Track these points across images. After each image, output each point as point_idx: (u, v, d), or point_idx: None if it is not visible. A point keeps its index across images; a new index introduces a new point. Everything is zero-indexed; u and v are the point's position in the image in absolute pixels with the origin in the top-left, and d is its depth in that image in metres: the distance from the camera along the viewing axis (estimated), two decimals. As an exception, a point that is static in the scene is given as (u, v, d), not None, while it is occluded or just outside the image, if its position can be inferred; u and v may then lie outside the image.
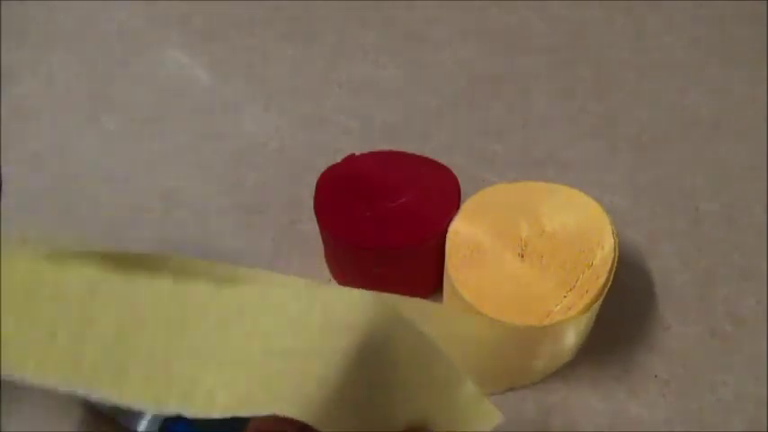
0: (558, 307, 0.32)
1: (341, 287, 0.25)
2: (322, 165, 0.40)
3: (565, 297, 0.33)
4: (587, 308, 0.33)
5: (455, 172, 0.39)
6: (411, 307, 0.32)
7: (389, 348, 0.25)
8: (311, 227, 0.39)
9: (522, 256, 0.34)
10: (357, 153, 0.40)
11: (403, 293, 0.38)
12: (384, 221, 0.37)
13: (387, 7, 0.58)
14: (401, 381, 0.25)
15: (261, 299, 0.25)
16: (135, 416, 0.36)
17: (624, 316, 0.40)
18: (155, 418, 0.36)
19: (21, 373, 0.24)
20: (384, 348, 0.24)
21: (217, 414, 0.23)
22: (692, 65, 0.53)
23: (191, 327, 0.25)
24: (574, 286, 0.33)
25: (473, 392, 0.27)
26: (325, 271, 0.42)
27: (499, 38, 0.56)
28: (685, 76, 0.52)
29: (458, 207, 0.37)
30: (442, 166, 0.40)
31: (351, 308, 0.24)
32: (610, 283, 0.34)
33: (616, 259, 0.34)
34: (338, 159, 0.40)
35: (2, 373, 0.23)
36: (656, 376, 0.37)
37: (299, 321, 0.24)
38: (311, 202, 0.38)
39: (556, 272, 0.33)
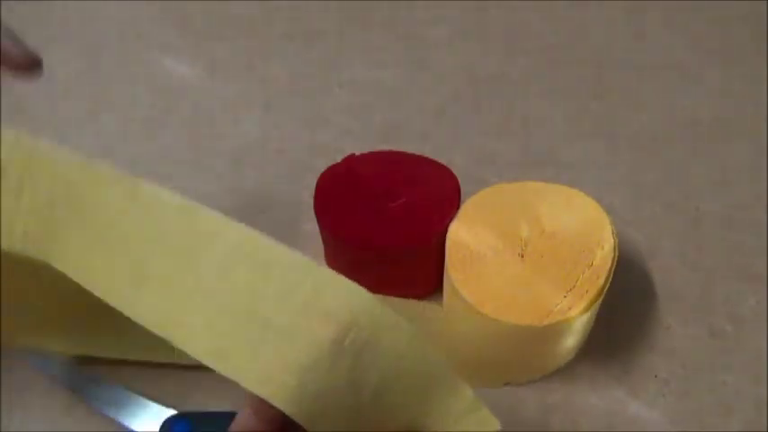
0: (558, 307, 0.32)
1: (338, 275, 0.24)
2: (322, 165, 0.40)
3: (565, 297, 0.33)
4: (587, 308, 0.33)
5: (455, 172, 0.39)
6: (410, 309, 0.32)
7: (378, 348, 0.24)
8: (311, 227, 0.39)
9: (522, 256, 0.34)
10: (357, 153, 0.40)
11: (403, 293, 0.38)
12: (384, 221, 0.37)
13: (387, 7, 0.58)
14: (391, 384, 0.25)
15: (261, 251, 0.26)
16: (134, 416, 0.36)
17: (624, 316, 0.40)
18: (154, 418, 0.36)
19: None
20: (371, 347, 0.24)
21: (190, 350, 0.24)
22: (692, 65, 0.53)
23: (196, 255, 0.25)
24: (574, 286, 0.33)
25: (471, 399, 0.26)
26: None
27: (499, 38, 0.56)
28: (685, 76, 0.52)
29: (458, 207, 0.37)
30: (442, 166, 0.40)
31: (339, 294, 0.24)
32: (609, 283, 0.34)
33: (616, 259, 0.34)
34: (338, 159, 0.40)
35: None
36: (656, 376, 0.37)
37: (286, 292, 0.24)
38: (311, 202, 0.38)
39: (556, 272, 0.33)
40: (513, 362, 0.36)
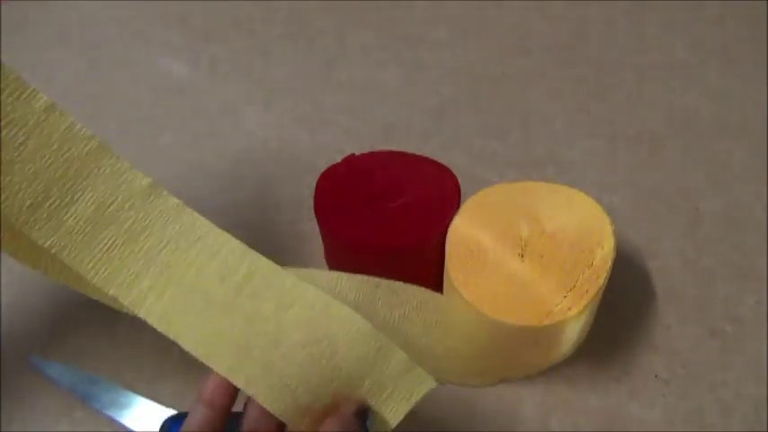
0: (558, 307, 0.32)
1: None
2: (322, 165, 0.40)
3: (565, 297, 0.33)
4: (587, 307, 0.33)
5: (455, 172, 0.39)
6: (411, 294, 0.33)
7: (313, 319, 0.27)
8: (311, 227, 0.39)
9: (522, 256, 0.34)
10: (357, 153, 0.40)
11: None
12: (384, 221, 0.37)
13: (387, 7, 0.58)
14: (330, 353, 0.27)
15: (209, 231, 0.28)
16: (134, 416, 0.36)
17: (624, 316, 0.40)
18: (154, 418, 0.36)
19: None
20: (307, 318, 0.27)
21: (142, 314, 0.27)
22: (692, 65, 0.53)
23: (152, 230, 0.28)
24: (574, 286, 0.33)
25: (404, 361, 0.28)
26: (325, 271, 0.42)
27: (499, 38, 0.56)
28: (685, 76, 0.52)
29: (458, 207, 0.37)
30: (442, 166, 0.40)
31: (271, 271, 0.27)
32: (606, 283, 0.34)
33: (614, 259, 0.34)
34: (338, 159, 0.40)
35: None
36: (656, 376, 0.37)
37: (225, 268, 0.27)
38: (311, 202, 0.38)
39: (556, 272, 0.33)
40: (511, 360, 0.36)
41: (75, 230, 0.27)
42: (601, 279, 0.33)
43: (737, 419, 0.36)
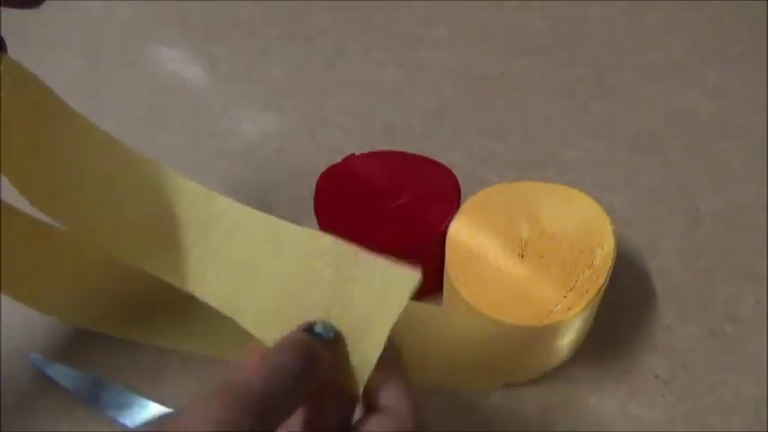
0: (558, 307, 0.32)
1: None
2: (322, 165, 0.40)
3: (565, 297, 0.33)
4: (587, 307, 0.33)
5: (455, 172, 0.39)
6: (410, 310, 0.32)
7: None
8: (311, 227, 0.39)
9: (522, 257, 0.34)
10: (357, 153, 0.40)
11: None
12: (384, 221, 0.37)
13: (387, 7, 0.58)
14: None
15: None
16: (134, 416, 0.36)
17: (624, 316, 0.40)
18: (154, 418, 0.36)
19: None
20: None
21: (200, 293, 0.28)
22: (692, 65, 0.53)
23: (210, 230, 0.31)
24: (574, 286, 0.33)
25: (382, 265, 0.28)
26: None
27: (499, 38, 0.56)
28: (685, 76, 0.52)
29: (458, 207, 0.37)
30: (442, 166, 0.40)
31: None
32: (607, 283, 0.34)
33: (614, 259, 0.34)
34: (338, 159, 0.40)
35: None
36: (656, 376, 0.37)
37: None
38: (311, 202, 0.38)
39: (556, 272, 0.33)
40: (513, 361, 0.36)
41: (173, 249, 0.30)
42: (601, 279, 0.33)
43: (737, 419, 0.36)
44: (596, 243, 0.34)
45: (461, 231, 0.36)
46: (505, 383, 0.37)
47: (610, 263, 0.34)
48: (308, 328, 0.26)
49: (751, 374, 0.37)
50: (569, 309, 0.32)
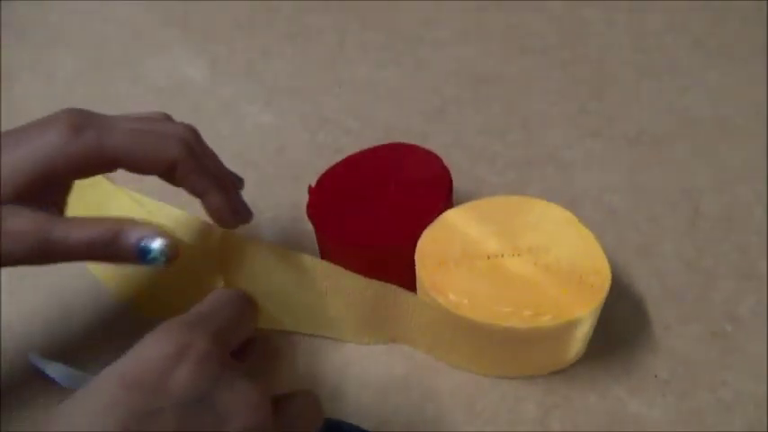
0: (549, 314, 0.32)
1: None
2: (322, 165, 0.40)
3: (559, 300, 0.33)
4: (595, 310, 0.33)
5: (455, 172, 0.39)
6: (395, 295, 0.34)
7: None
8: (311, 227, 0.39)
9: (513, 262, 0.34)
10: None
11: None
12: (377, 220, 0.37)
13: (387, 7, 0.58)
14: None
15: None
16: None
17: (624, 316, 0.40)
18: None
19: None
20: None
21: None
22: (692, 65, 0.53)
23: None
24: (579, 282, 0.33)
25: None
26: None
27: (499, 38, 0.56)
28: (685, 76, 0.52)
29: (449, 197, 0.38)
30: (431, 154, 0.40)
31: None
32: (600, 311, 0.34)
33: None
34: (338, 159, 0.40)
35: None
36: (656, 376, 0.37)
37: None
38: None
39: (549, 279, 0.34)
40: (510, 358, 0.36)
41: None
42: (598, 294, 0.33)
43: (737, 419, 0.36)
44: (590, 267, 0.34)
45: (437, 240, 0.36)
46: (505, 376, 0.37)
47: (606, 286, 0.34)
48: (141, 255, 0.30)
49: (751, 374, 0.37)
50: (562, 313, 0.32)
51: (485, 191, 0.46)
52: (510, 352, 0.35)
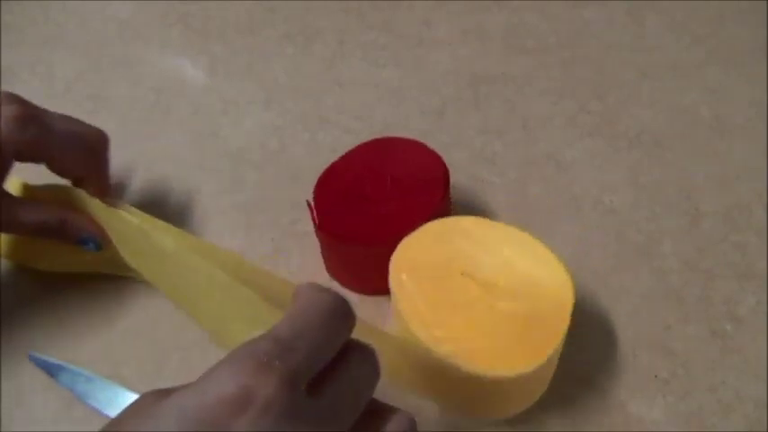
0: (511, 361, 0.31)
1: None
2: (322, 165, 0.40)
3: (519, 350, 0.32)
4: (542, 361, 0.32)
5: (455, 172, 0.39)
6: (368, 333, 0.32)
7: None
8: (311, 227, 0.39)
9: (482, 305, 0.33)
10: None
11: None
12: (376, 219, 0.38)
13: (387, 7, 0.58)
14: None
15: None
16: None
17: (624, 315, 0.40)
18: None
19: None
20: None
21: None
22: (692, 65, 0.53)
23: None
24: (530, 337, 0.32)
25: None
26: (325, 271, 0.42)
27: (499, 38, 0.56)
28: (685, 76, 0.52)
29: (446, 192, 0.38)
30: (427, 149, 0.40)
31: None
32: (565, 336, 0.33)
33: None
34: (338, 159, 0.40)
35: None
36: (656, 376, 0.37)
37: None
38: (311, 203, 0.39)
39: (513, 323, 0.32)
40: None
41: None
42: (559, 331, 0.32)
43: (737, 419, 0.36)
44: (555, 296, 0.33)
45: (409, 277, 0.34)
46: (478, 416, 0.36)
47: (568, 315, 0.33)
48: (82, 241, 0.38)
49: (751, 374, 0.37)
50: (522, 362, 0.31)
51: (485, 191, 0.46)
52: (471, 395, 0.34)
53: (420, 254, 0.35)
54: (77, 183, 0.39)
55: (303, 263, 0.42)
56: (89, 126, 0.39)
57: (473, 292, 0.33)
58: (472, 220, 0.36)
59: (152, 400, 0.22)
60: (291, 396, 0.22)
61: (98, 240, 0.38)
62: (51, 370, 0.38)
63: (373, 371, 0.26)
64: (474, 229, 0.36)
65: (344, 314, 0.25)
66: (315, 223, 0.38)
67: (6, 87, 0.52)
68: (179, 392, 0.22)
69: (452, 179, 0.40)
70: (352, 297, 0.41)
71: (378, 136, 0.48)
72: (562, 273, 0.34)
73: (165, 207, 0.45)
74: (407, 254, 0.35)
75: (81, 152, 0.38)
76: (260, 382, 0.21)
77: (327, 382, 0.24)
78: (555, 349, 0.32)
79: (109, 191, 0.41)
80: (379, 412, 0.26)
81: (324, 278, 0.42)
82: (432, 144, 0.41)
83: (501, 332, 0.32)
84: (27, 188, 0.41)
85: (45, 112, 0.37)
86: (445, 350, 0.31)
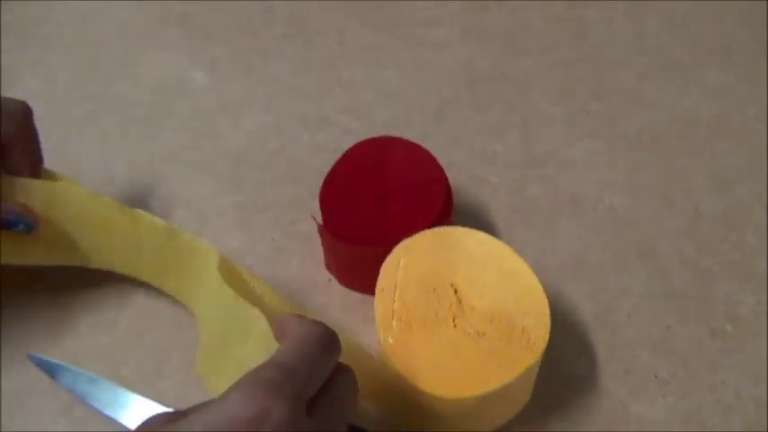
0: (487, 376, 0.31)
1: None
2: (322, 165, 0.40)
3: (496, 365, 0.31)
4: (519, 375, 0.31)
5: (455, 172, 0.39)
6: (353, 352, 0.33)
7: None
8: (311, 227, 0.40)
9: (455, 326, 0.33)
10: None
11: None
12: (381, 219, 0.37)
13: (387, 7, 0.58)
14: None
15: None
16: (134, 416, 0.36)
17: (624, 316, 0.40)
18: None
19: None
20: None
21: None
22: (691, 65, 0.53)
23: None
24: (506, 354, 0.32)
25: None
26: (324, 271, 0.42)
27: (499, 38, 0.56)
28: (685, 76, 0.52)
29: (447, 194, 0.38)
30: (422, 149, 0.40)
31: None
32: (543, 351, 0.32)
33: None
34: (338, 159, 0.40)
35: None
36: (656, 376, 0.37)
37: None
38: (311, 203, 0.39)
39: (488, 341, 0.32)
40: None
41: None
42: (537, 346, 0.32)
43: (737, 419, 0.36)
44: (528, 310, 0.33)
45: (389, 298, 0.34)
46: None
47: (544, 330, 0.32)
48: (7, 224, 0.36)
49: (751, 374, 0.37)
50: (497, 377, 0.31)
51: (485, 191, 0.46)
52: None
53: (411, 261, 0.35)
54: (5, 153, 0.37)
55: (303, 263, 0.42)
56: (7, 97, 0.38)
57: (447, 311, 0.33)
58: (473, 234, 0.36)
59: (164, 420, 0.24)
60: (297, 416, 0.25)
61: (28, 221, 0.36)
62: (51, 370, 0.37)
63: (355, 388, 0.29)
64: (471, 245, 0.35)
65: (334, 343, 0.28)
66: (319, 224, 0.38)
67: (6, 87, 0.52)
68: (198, 412, 0.24)
69: (452, 179, 0.40)
70: (354, 296, 0.41)
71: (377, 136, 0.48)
72: (543, 311, 0.33)
73: (165, 207, 0.45)
74: (399, 259, 0.35)
75: (5, 117, 0.37)
76: (273, 404, 0.24)
77: (321, 402, 0.27)
78: (510, 381, 0.31)
79: (40, 161, 0.39)
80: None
81: (323, 278, 0.42)
82: (432, 144, 0.41)
83: (459, 353, 0.32)
84: None
85: None
86: (394, 361, 0.32)
